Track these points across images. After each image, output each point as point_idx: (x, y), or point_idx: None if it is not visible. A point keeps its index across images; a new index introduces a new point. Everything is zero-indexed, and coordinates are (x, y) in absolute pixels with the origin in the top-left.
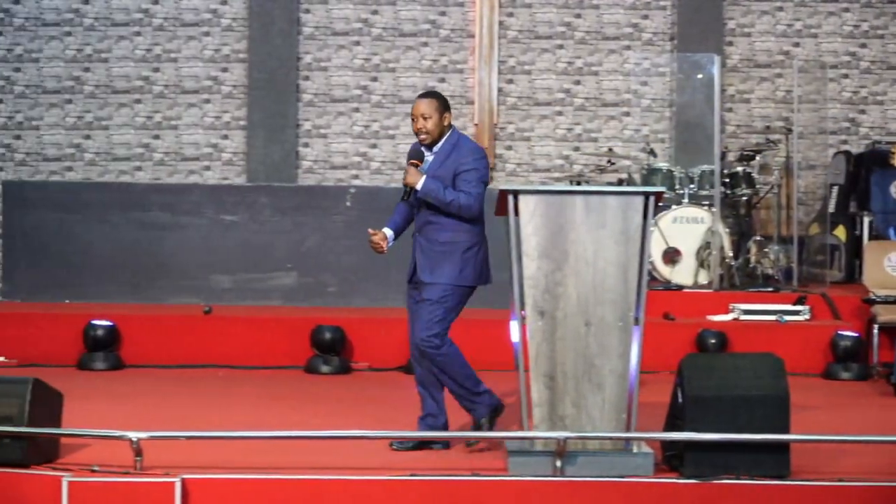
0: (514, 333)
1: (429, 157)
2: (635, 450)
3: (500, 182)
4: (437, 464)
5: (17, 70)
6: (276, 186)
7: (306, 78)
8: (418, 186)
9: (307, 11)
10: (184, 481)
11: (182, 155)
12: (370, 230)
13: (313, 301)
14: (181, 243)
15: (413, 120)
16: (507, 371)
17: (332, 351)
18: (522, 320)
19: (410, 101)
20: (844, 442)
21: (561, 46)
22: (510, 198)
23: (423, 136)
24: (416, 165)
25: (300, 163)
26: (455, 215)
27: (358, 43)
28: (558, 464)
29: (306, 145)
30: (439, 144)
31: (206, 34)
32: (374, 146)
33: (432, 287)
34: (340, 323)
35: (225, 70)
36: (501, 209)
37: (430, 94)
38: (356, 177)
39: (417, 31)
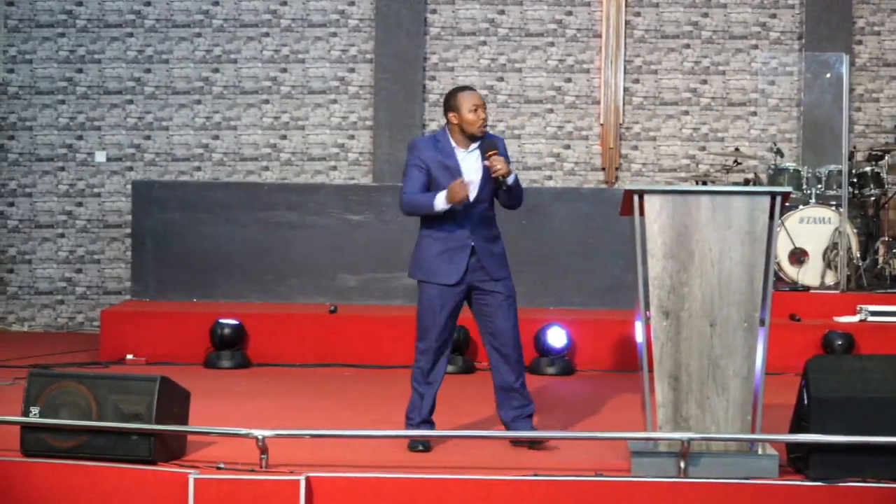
0: (639, 334)
1: (460, 153)
2: (760, 451)
3: (625, 182)
4: (561, 464)
5: (148, 71)
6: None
7: (432, 78)
8: (510, 179)
9: (434, 12)
10: (308, 479)
11: (309, 155)
12: (460, 181)
13: None
14: (307, 243)
15: (474, 110)
16: (632, 371)
17: (456, 350)
18: (647, 321)
19: (537, 101)
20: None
21: (688, 46)
22: (635, 198)
23: (482, 128)
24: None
25: None
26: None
27: (484, 43)
28: (682, 465)
29: None
30: (475, 143)
31: (334, 35)
32: None
33: (507, 282)
34: (463, 322)
35: (352, 70)
36: (627, 209)
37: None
38: None
39: (544, 31)
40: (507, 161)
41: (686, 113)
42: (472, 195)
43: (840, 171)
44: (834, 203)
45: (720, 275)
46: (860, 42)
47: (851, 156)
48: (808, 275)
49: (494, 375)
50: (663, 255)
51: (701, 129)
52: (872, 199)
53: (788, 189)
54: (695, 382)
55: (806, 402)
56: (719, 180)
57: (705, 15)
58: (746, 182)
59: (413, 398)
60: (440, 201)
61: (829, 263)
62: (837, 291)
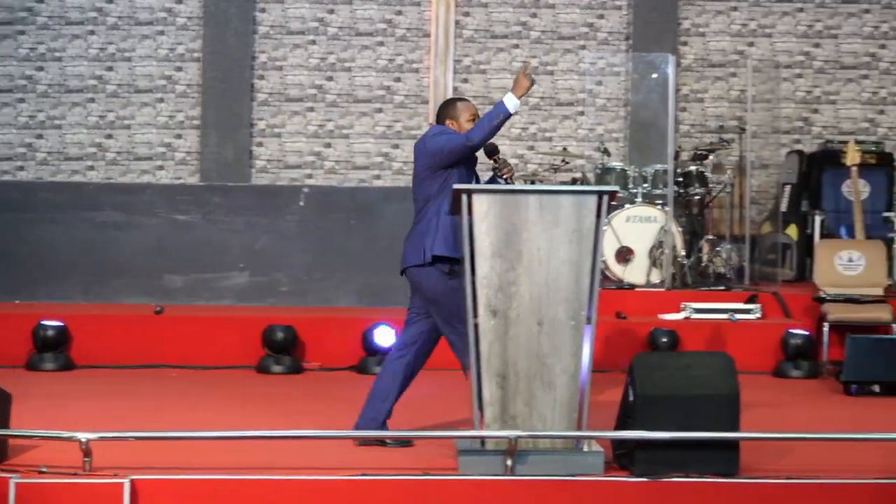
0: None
1: None
2: (586, 448)
3: None
4: (389, 463)
5: None
6: (230, 186)
7: (261, 77)
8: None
9: (263, 10)
10: (133, 482)
11: (135, 154)
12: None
13: (266, 301)
14: (134, 243)
15: (472, 120)
16: (459, 370)
17: (284, 351)
18: (475, 320)
19: (366, 101)
20: (794, 440)
21: (516, 46)
22: (464, 197)
23: None
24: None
25: (254, 162)
26: None
27: (314, 42)
28: (509, 463)
29: (260, 144)
30: None
31: (161, 33)
32: (328, 146)
33: None
34: (292, 322)
35: (179, 69)
36: (455, 209)
37: None
38: (310, 176)
39: (373, 31)
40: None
41: (515, 113)
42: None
43: (666, 171)
44: (660, 202)
45: (548, 274)
46: (685, 43)
47: (677, 155)
48: (634, 273)
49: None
50: (491, 254)
51: (529, 128)
52: (697, 198)
53: (615, 188)
54: (522, 381)
55: (631, 399)
56: (547, 180)
57: (534, 15)
58: (574, 181)
59: None
60: (511, 100)
61: (654, 262)
62: (663, 289)
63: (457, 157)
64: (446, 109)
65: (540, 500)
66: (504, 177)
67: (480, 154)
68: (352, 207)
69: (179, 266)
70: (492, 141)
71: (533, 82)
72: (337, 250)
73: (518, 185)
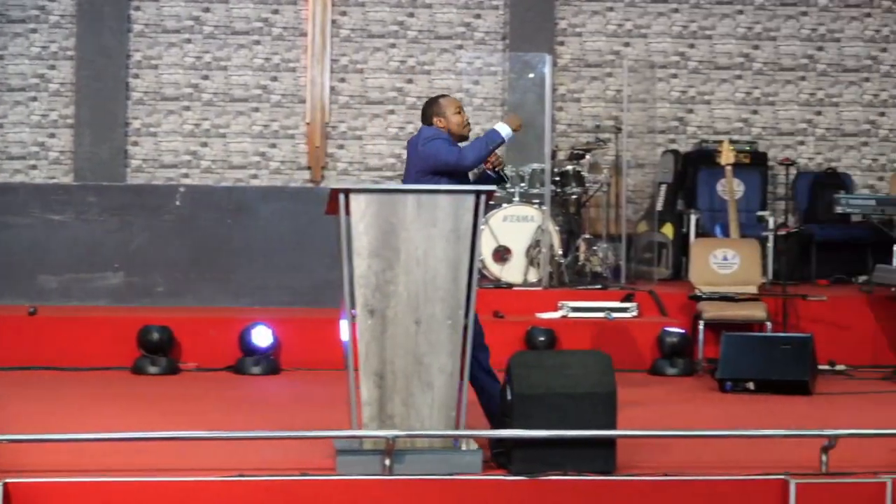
0: (344, 332)
1: None
2: (464, 447)
3: (331, 181)
4: (266, 464)
5: None
6: (105, 185)
7: (136, 76)
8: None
9: (137, 8)
10: (6, 486)
11: (8, 154)
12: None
13: (141, 301)
14: (6, 243)
15: (459, 112)
16: (338, 370)
17: (159, 351)
18: (352, 319)
19: (242, 100)
20: (670, 437)
21: (394, 45)
22: (341, 196)
23: (467, 128)
24: None
25: (129, 161)
26: None
27: (189, 41)
28: (387, 462)
29: (135, 144)
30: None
31: (34, 31)
32: (204, 145)
33: None
34: (168, 323)
35: (52, 67)
36: (332, 208)
37: None
38: (186, 175)
39: (250, 29)
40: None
41: (392, 112)
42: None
43: (543, 170)
44: (537, 201)
45: (425, 273)
46: (562, 43)
47: (554, 155)
48: (512, 272)
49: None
50: (369, 253)
51: (407, 128)
52: (574, 197)
53: (492, 188)
54: (400, 380)
55: (509, 397)
56: None
57: (411, 15)
58: None
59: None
60: (504, 128)
61: (531, 261)
62: (540, 288)
63: (447, 169)
64: (431, 108)
65: (418, 499)
66: (494, 168)
67: None
68: (228, 207)
69: (53, 266)
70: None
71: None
72: (214, 250)
73: (395, 185)
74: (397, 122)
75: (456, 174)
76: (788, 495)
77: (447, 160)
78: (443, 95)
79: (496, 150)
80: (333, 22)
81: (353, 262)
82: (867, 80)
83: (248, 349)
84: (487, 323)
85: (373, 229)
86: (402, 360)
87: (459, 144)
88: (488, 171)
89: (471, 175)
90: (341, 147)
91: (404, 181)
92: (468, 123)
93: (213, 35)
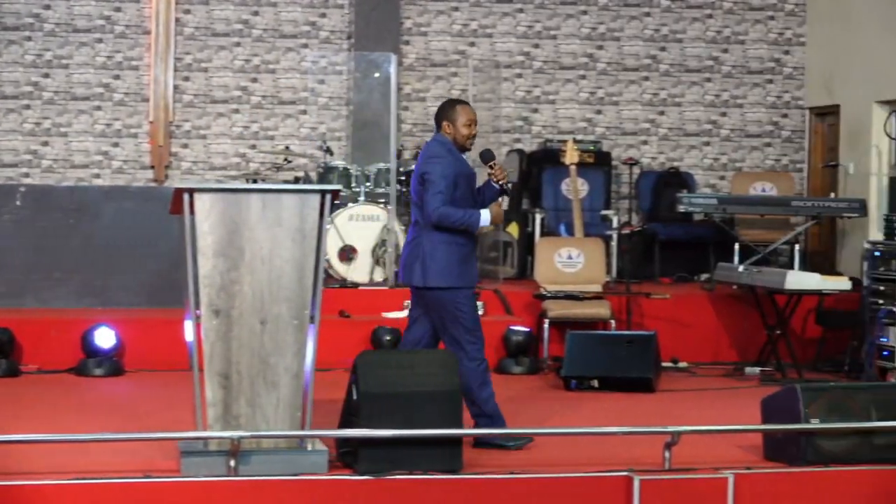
0: (189, 333)
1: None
2: (310, 447)
3: (175, 180)
4: (110, 466)
5: None
6: None
7: None
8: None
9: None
10: None
11: None
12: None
13: None
14: None
15: (468, 125)
16: (183, 371)
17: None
18: (197, 319)
19: (84, 98)
20: (515, 435)
21: (238, 44)
22: (185, 196)
23: (471, 143)
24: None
25: None
26: None
27: (30, 38)
28: (232, 463)
29: None
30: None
31: None
32: (45, 144)
33: None
34: (8, 324)
35: None
36: (177, 207)
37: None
38: (27, 175)
39: (92, 27)
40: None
41: (237, 111)
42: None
43: (388, 170)
44: (382, 201)
45: (270, 273)
46: (407, 42)
47: (399, 154)
48: (357, 272)
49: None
50: (213, 253)
51: (251, 127)
52: None
53: (338, 187)
54: (245, 381)
55: (355, 397)
56: (270, 178)
57: (256, 13)
58: (297, 180)
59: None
60: (486, 218)
61: (377, 260)
62: (386, 287)
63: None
64: (446, 111)
65: (264, 499)
66: (500, 182)
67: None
68: (70, 207)
69: None
70: (488, 148)
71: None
72: (55, 250)
73: (240, 185)
74: (242, 122)
75: (466, 192)
76: (632, 491)
77: (427, 204)
78: (461, 102)
79: (503, 168)
80: (177, 20)
81: (198, 261)
82: (709, 80)
83: (90, 351)
84: (332, 323)
85: (218, 229)
86: (248, 360)
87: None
88: (493, 184)
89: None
90: (185, 146)
91: (412, 189)
92: (473, 140)
93: (55, 33)
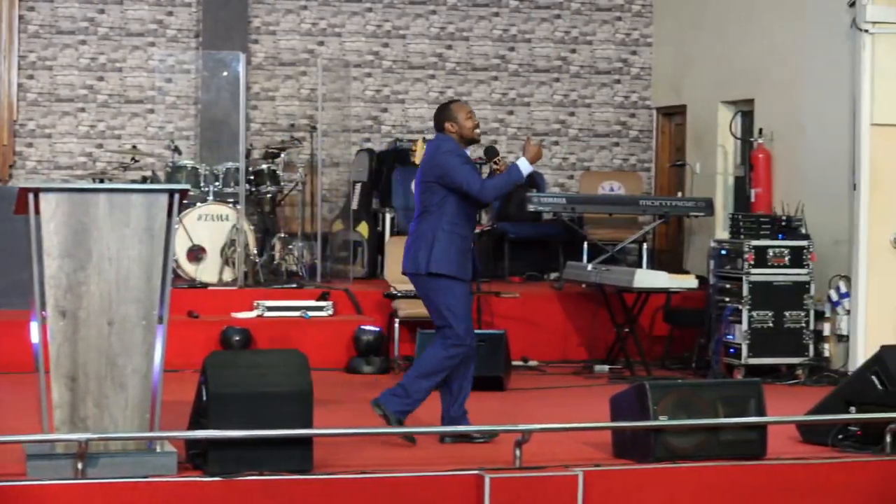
0: (35, 334)
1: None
2: (159, 449)
3: (20, 180)
4: None
5: None
6: None
7: None
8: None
9: None
10: None
11: None
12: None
13: None
14: None
15: (470, 116)
16: (27, 373)
17: None
18: (43, 321)
19: None
20: (366, 435)
21: (84, 42)
22: (30, 196)
23: (479, 133)
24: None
25: None
26: None
27: None
28: (80, 466)
29: None
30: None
31: None
32: None
33: None
34: None
35: None
36: (21, 207)
37: None
38: None
39: None
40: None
41: (83, 110)
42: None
43: (237, 169)
44: (232, 200)
45: (118, 273)
46: (256, 41)
47: (248, 154)
48: (207, 272)
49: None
50: (60, 253)
51: (98, 126)
52: (269, 196)
53: (186, 187)
54: (93, 382)
55: (205, 398)
56: (117, 178)
57: (102, 11)
58: (144, 180)
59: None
60: (525, 166)
61: (226, 260)
62: (235, 288)
63: (462, 192)
64: (443, 114)
65: (112, 502)
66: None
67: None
68: None
69: None
70: (492, 145)
71: (540, 153)
72: None
73: (86, 184)
74: (88, 120)
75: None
76: (483, 490)
77: (469, 188)
78: (454, 101)
79: (507, 163)
80: (21, 17)
81: (44, 262)
82: (557, 80)
83: None
84: (181, 323)
85: (64, 229)
86: (95, 361)
87: (468, 152)
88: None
89: None
90: (30, 145)
91: (416, 185)
92: (479, 130)
93: None
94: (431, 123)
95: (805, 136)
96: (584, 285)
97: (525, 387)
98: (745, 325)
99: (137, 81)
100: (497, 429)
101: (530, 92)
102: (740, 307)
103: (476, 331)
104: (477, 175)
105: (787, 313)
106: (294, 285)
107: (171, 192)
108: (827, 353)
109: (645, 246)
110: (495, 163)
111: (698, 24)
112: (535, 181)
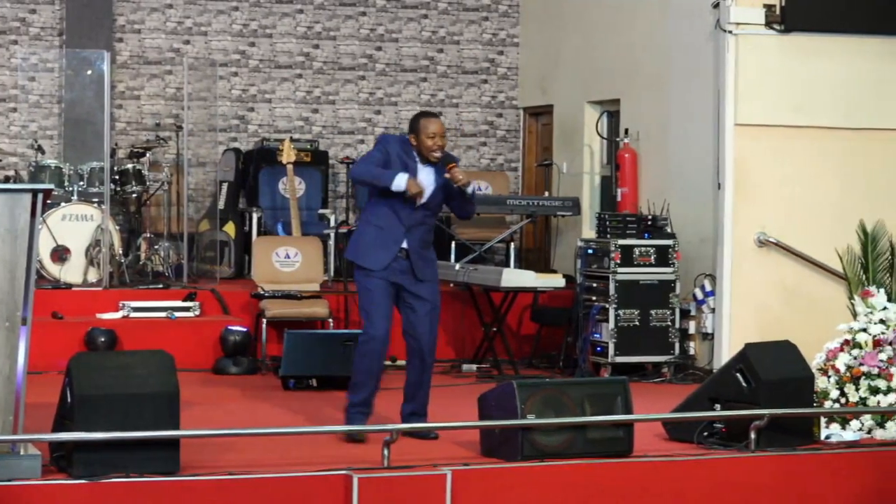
0: None
1: (420, 165)
2: (22, 452)
3: None
4: None
5: None
6: None
7: None
8: (469, 188)
9: None
10: None
11: None
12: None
13: None
14: None
15: (432, 137)
16: None
17: None
18: None
19: None
20: (233, 436)
21: None
22: None
23: (437, 154)
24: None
25: None
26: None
27: None
28: None
29: None
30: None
31: None
32: None
33: (431, 285)
34: None
35: None
36: None
37: (438, 114)
38: None
39: None
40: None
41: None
42: (422, 201)
43: (102, 168)
44: (96, 200)
45: None
46: (121, 40)
47: (113, 153)
48: (71, 272)
49: (409, 372)
50: None
51: None
52: (135, 195)
53: (50, 186)
54: None
55: (69, 400)
56: None
57: None
58: (7, 179)
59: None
60: (400, 181)
61: (91, 260)
62: (100, 288)
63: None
64: (411, 124)
65: None
66: (457, 184)
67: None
68: None
69: None
70: (451, 153)
71: (420, 194)
72: None
73: None
74: None
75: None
76: (352, 490)
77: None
78: (427, 114)
79: (459, 168)
80: None
81: None
82: (425, 80)
83: None
84: (45, 325)
85: None
86: None
87: (426, 161)
88: (454, 185)
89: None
90: None
91: None
92: (439, 152)
93: None
94: (300, 123)
95: (670, 136)
96: (451, 284)
97: (393, 386)
98: (611, 324)
99: (1, 80)
100: (364, 429)
101: (398, 91)
102: (607, 306)
103: (344, 331)
104: (371, 160)
105: (653, 312)
106: (160, 286)
107: (35, 192)
108: (692, 351)
109: (512, 245)
110: (448, 170)
111: (564, 24)
112: None
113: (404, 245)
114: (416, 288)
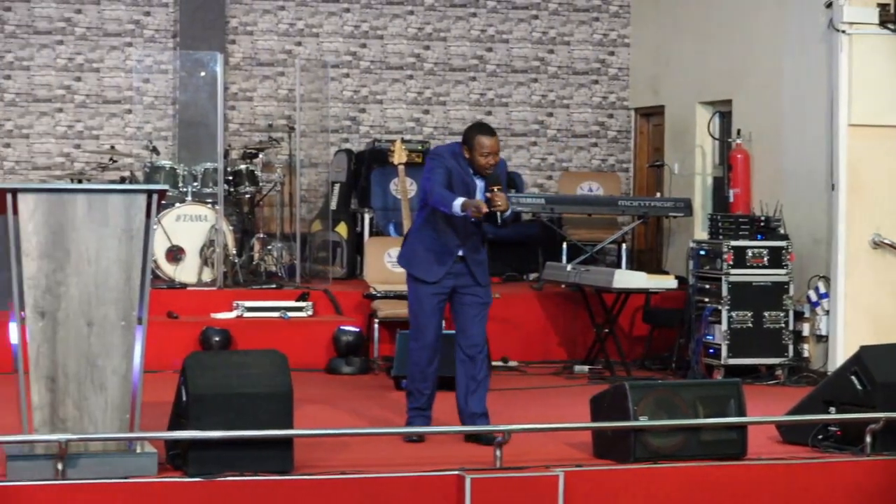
0: (14, 335)
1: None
2: (139, 450)
3: None
4: None
5: None
6: None
7: None
8: (507, 214)
9: None
10: None
11: None
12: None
13: None
14: None
15: (486, 155)
16: (7, 374)
17: None
18: (22, 321)
19: None
20: (346, 435)
21: (61, 42)
22: (8, 196)
23: (489, 171)
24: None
25: None
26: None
27: None
28: (59, 466)
29: None
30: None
31: None
32: None
33: (486, 289)
34: None
35: None
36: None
37: (494, 131)
38: None
39: None
40: (506, 195)
41: (60, 110)
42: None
43: (216, 169)
44: (210, 200)
45: (97, 274)
46: (234, 41)
47: (226, 154)
48: (186, 272)
49: (460, 373)
50: (39, 254)
51: (76, 126)
52: (248, 196)
53: (164, 187)
54: (72, 383)
55: (184, 398)
56: (95, 178)
57: (79, 11)
58: (122, 180)
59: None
60: (458, 206)
61: (205, 260)
62: (214, 288)
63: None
64: (467, 136)
65: (92, 503)
66: (493, 208)
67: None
68: None
69: None
70: (499, 175)
71: (480, 216)
72: None
73: (65, 184)
74: (66, 121)
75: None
76: (464, 490)
77: (424, 186)
78: (483, 131)
79: (501, 197)
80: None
81: (23, 263)
82: (535, 80)
83: None
84: (161, 324)
85: (42, 230)
86: (75, 362)
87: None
88: (492, 209)
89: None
90: (8, 146)
91: None
92: (491, 169)
93: None
94: (411, 124)
95: (783, 137)
96: (563, 286)
97: (505, 387)
98: (724, 326)
99: (115, 82)
100: (478, 429)
101: (508, 92)
102: (720, 307)
103: (453, 331)
104: (438, 181)
105: (766, 313)
106: (273, 286)
107: (150, 193)
108: (806, 354)
109: (624, 246)
110: (490, 190)
111: (676, 24)
112: (513, 182)
113: (460, 253)
114: (472, 290)
